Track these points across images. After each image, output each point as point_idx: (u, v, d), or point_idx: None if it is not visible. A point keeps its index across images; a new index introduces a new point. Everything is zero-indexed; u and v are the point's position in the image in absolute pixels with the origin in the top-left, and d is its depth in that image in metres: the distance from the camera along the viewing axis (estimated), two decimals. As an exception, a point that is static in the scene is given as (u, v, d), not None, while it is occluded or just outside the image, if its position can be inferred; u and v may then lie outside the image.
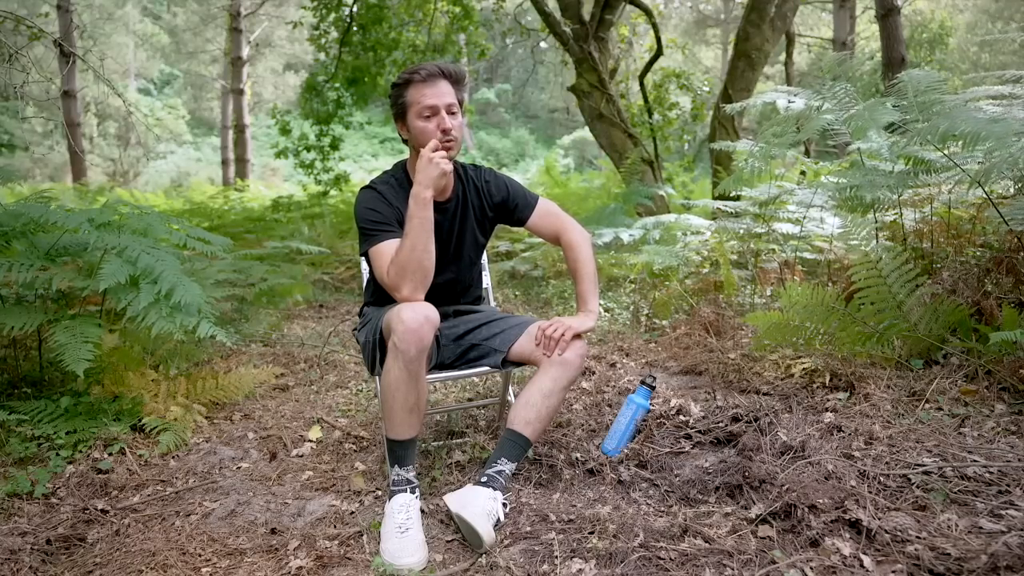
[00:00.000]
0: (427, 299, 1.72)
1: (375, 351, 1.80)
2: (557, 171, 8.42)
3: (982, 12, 20.51)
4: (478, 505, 1.58)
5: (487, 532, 1.52)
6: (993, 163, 2.11)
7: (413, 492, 1.70)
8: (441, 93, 1.72)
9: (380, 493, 1.90)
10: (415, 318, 1.60)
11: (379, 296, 1.99)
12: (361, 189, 1.86)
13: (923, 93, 2.49)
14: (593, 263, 1.93)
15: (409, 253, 1.66)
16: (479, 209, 1.94)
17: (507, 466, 1.73)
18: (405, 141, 1.88)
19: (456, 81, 1.75)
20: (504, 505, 1.66)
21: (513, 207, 1.96)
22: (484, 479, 1.69)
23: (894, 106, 2.51)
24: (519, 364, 1.88)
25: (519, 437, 1.76)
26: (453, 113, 1.74)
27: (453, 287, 1.98)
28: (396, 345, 1.60)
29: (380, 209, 1.78)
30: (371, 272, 2.06)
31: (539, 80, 28.63)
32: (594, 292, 1.90)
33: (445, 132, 1.71)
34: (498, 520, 1.61)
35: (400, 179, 1.87)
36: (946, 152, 2.44)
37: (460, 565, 1.50)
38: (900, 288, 2.31)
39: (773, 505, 1.53)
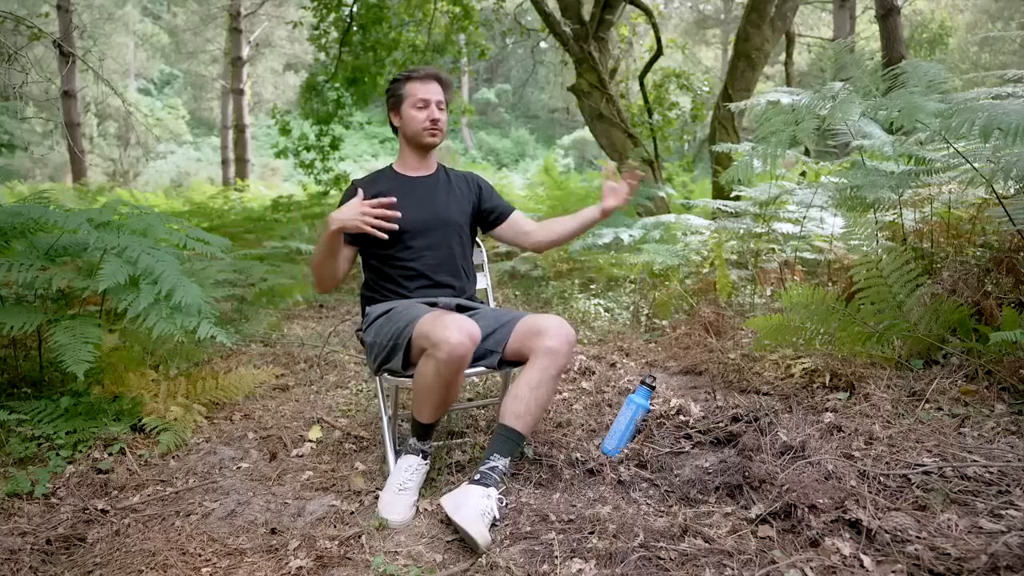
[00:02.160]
0: (423, 258, 2.00)
1: (391, 354, 1.82)
2: (557, 171, 8.41)
3: (982, 12, 20.50)
4: (471, 506, 1.58)
5: (481, 535, 1.52)
6: (1012, 162, 2.07)
7: (424, 458, 1.87)
8: (434, 91, 2.04)
9: (380, 493, 1.89)
10: (463, 342, 1.64)
11: (382, 293, 2.04)
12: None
13: (932, 86, 2.44)
14: None
15: (314, 258, 1.97)
16: (464, 190, 2.16)
17: (500, 462, 1.73)
18: (395, 130, 2.14)
19: (446, 85, 2.08)
20: (500, 500, 1.66)
21: (493, 206, 2.19)
22: (478, 476, 1.69)
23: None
24: (516, 363, 1.88)
25: (510, 431, 1.76)
26: (441, 109, 2.06)
27: (444, 248, 2.05)
28: (438, 359, 1.64)
29: (342, 205, 2.01)
30: (370, 270, 2.08)
31: (539, 80, 28.60)
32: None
33: (434, 122, 2.03)
34: (494, 518, 1.61)
35: (384, 171, 2.16)
36: (959, 150, 2.41)
37: (460, 565, 1.50)
38: (900, 288, 2.30)
39: (773, 505, 1.53)
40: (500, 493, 1.68)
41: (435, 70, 2.08)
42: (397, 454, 1.94)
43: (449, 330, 1.64)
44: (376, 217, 1.82)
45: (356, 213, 1.81)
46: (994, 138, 1.96)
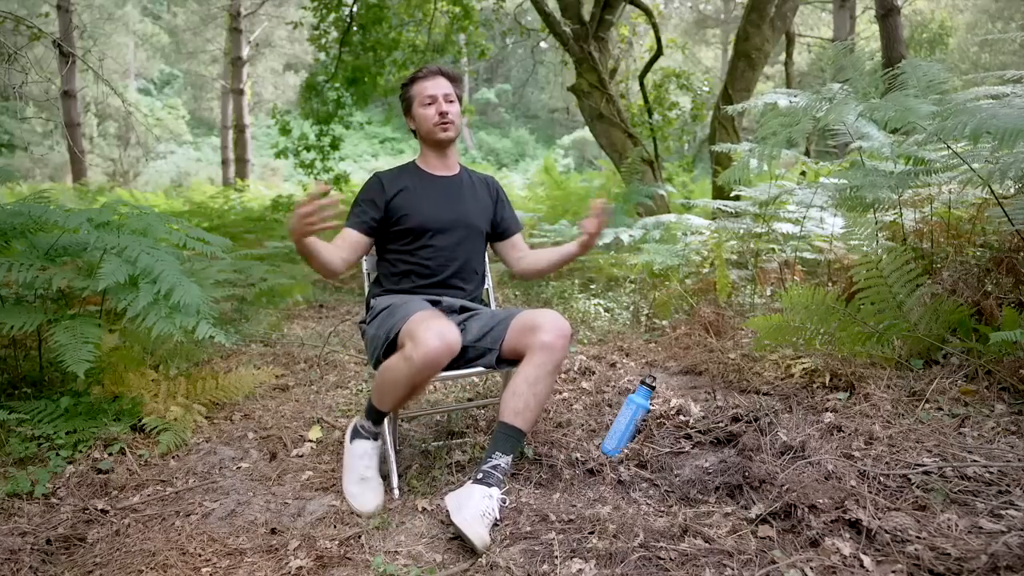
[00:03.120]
0: (439, 257, 2.00)
1: (383, 349, 1.82)
2: (557, 171, 8.41)
3: (982, 12, 20.51)
4: (471, 508, 1.58)
5: (479, 537, 1.52)
6: (1008, 163, 2.07)
7: (376, 440, 1.90)
8: (439, 86, 2.03)
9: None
10: (439, 348, 1.64)
11: (387, 286, 2.05)
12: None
13: (931, 86, 2.44)
14: None
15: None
16: (483, 193, 2.17)
17: (502, 460, 1.73)
18: (414, 133, 2.13)
19: (452, 79, 2.06)
20: (503, 499, 1.66)
21: (503, 218, 2.19)
22: (480, 475, 1.69)
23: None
24: (515, 362, 1.88)
25: (511, 429, 1.76)
26: (451, 101, 2.04)
27: (461, 249, 2.06)
28: (413, 360, 1.65)
29: (364, 196, 2.05)
30: (384, 263, 2.08)
31: (539, 80, 28.61)
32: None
33: (442, 115, 2.02)
34: (495, 519, 1.61)
35: (407, 166, 2.14)
36: (956, 151, 2.40)
37: (460, 565, 1.50)
38: (900, 288, 2.31)
39: (773, 505, 1.53)
40: (503, 493, 1.68)
41: (438, 66, 2.08)
42: (398, 453, 1.94)
43: (430, 333, 1.65)
44: (313, 213, 1.65)
45: (298, 222, 1.65)
46: (986, 141, 1.96)
